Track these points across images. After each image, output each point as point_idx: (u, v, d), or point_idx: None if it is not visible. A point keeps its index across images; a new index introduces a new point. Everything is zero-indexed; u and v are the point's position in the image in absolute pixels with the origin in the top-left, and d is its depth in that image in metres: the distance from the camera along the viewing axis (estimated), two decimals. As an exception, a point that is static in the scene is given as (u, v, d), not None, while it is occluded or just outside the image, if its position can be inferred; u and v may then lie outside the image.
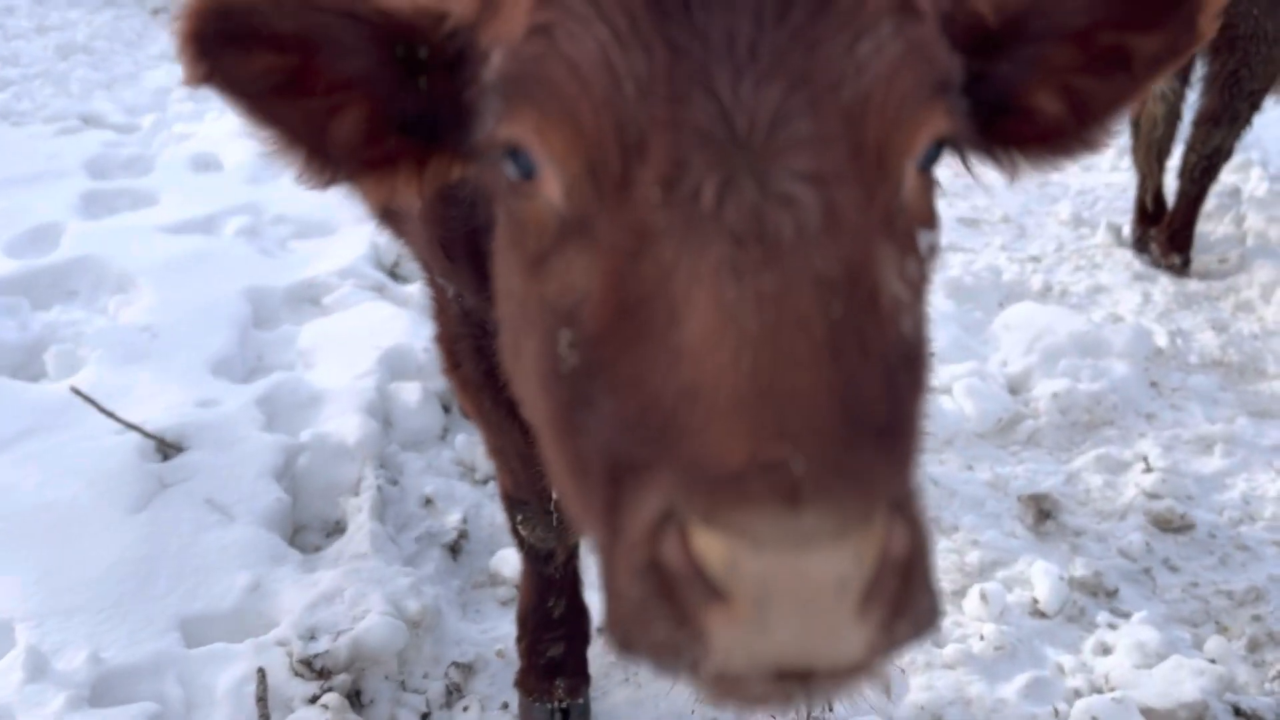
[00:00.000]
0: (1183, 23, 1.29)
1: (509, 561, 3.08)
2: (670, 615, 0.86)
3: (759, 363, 0.90)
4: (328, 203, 4.82)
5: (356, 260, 4.70)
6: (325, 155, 1.29)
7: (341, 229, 5.06)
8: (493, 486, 3.42)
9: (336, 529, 3.22)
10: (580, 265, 1.07)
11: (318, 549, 3.12)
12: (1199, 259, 4.98)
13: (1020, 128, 1.36)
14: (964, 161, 1.38)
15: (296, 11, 1.20)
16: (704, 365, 0.91)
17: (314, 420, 3.55)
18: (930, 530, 0.92)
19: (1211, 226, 5.24)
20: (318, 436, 3.41)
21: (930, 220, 1.19)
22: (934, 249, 1.19)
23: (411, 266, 4.68)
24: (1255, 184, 5.71)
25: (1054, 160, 1.41)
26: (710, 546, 0.82)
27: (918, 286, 1.12)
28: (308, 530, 3.24)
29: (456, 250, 1.85)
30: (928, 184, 1.18)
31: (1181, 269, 4.89)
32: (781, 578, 0.82)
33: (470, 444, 3.58)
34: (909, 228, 1.13)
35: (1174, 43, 1.30)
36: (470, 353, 2.13)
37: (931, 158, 1.15)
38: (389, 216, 2.25)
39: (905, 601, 0.86)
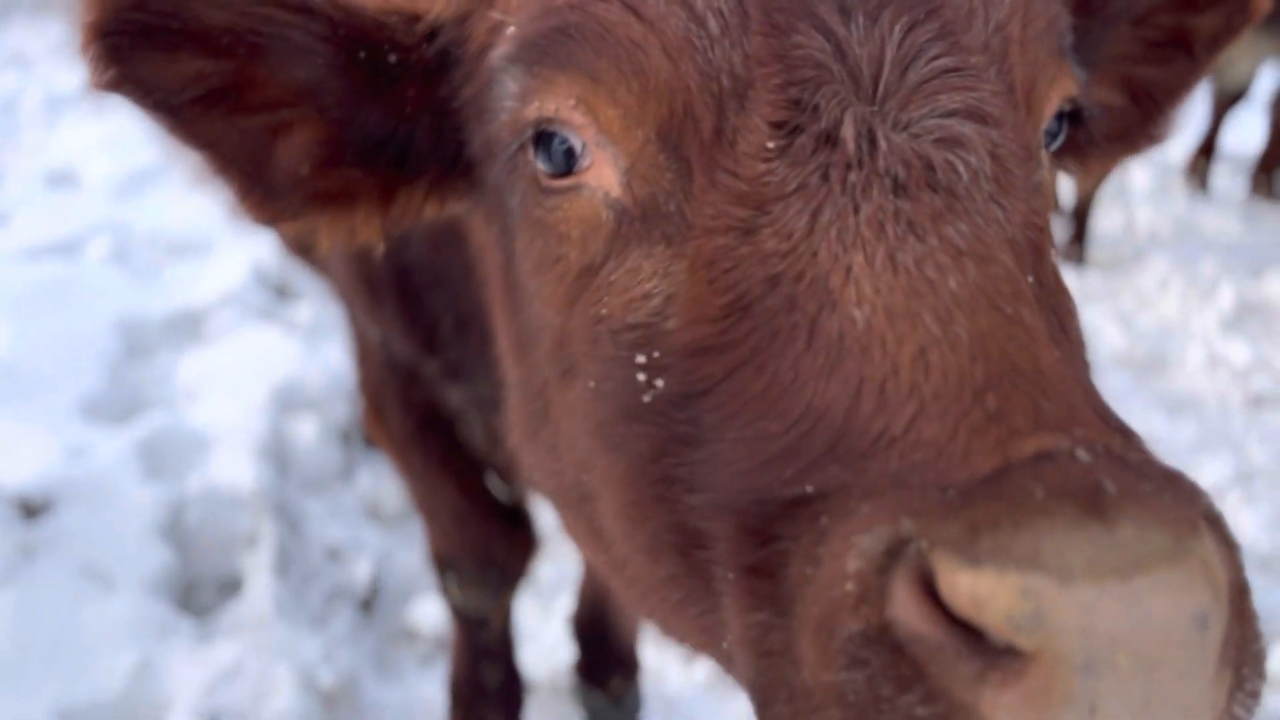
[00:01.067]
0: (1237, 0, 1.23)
1: (427, 613, 2.86)
2: (924, 708, 0.61)
3: (981, 333, 0.70)
4: (206, 218, 4.49)
5: (240, 281, 4.37)
6: (267, 185, 1.05)
7: (221, 247, 4.72)
8: (406, 529, 3.18)
9: (232, 586, 2.95)
10: (655, 265, 0.87)
11: (213, 611, 2.84)
12: (1096, 252, 5.02)
13: (1089, 128, 1.25)
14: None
15: (234, 1, 0.96)
16: (893, 349, 0.71)
17: (201, 466, 3.24)
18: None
19: (1105, 220, 5.30)
20: (206, 486, 3.11)
21: (1057, 208, 1.05)
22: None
23: (302, 283, 4.38)
24: (1141, 177, 5.81)
25: (1120, 155, 1.34)
26: (986, 589, 0.58)
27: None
28: (200, 590, 2.95)
29: (384, 292, 1.63)
30: (1052, 166, 1.03)
31: (1079, 261, 4.93)
32: (1112, 621, 0.57)
33: (376, 480, 3.34)
34: (1048, 209, 0.94)
35: (1230, 20, 1.24)
36: (398, 404, 1.91)
37: (1051, 135, 0.99)
38: (303, 247, 2.01)
39: (1251, 645, 0.65)
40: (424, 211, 1.12)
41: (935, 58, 0.83)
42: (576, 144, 0.90)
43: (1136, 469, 0.64)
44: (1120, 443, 0.67)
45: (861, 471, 0.69)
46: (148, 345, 4.02)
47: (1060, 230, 5.01)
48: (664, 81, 0.84)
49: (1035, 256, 0.81)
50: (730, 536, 0.76)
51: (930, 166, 0.78)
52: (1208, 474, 3.52)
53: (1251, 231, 5.19)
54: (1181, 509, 0.61)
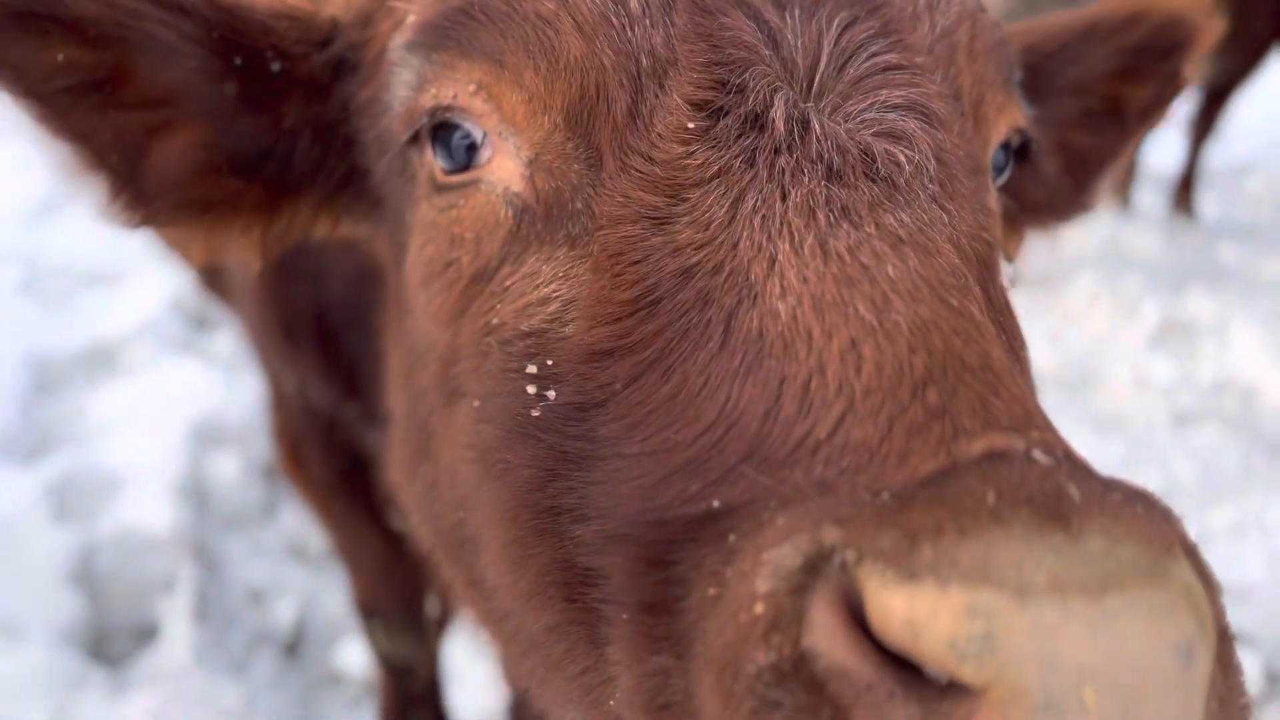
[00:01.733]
0: (1171, 72, 1.24)
1: (354, 655, 2.75)
2: None
3: (918, 321, 0.63)
4: (119, 246, 4.33)
5: (156, 312, 4.22)
6: (139, 186, 0.97)
7: (136, 275, 4.56)
8: (331, 569, 3.08)
9: (148, 633, 2.82)
10: (556, 269, 0.79)
11: (128, 660, 2.71)
12: (1024, 271, 5.07)
13: (1025, 192, 1.23)
14: None
15: None
16: (820, 343, 0.64)
17: (114, 507, 3.10)
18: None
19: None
20: (120, 527, 2.98)
21: (1007, 252, 1.00)
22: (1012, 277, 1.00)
23: (221, 314, 4.25)
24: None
25: (1050, 223, 1.33)
26: (924, 608, 0.49)
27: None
28: (114, 638, 2.82)
29: (300, 335, 1.55)
30: (998, 198, 0.97)
31: (1010, 281, 4.98)
32: (1079, 650, 0.48)
33: (300, 518, 3.23)
34: (997, 244, 0.88)
35: (1162, 92, 1.26)
36: (318, 451, 1.82)
37: (1001, 164, 0.95)
38: (213, 280, 1.91)
39: (1235, 699, 0.57)
40: (313, 229, 1.04)
41: (876, 54, 0.78)
42: (477, 135, 0.83)
43: (1103, 479, 0.57)
44: (1080, 457, 0.61)
45: (780, 481, 0.60)
46: (58, 380, 3.86)
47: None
48: (575, 60, 0.78)
49: (984, 270, 0.76)
50: (624, 569, 0.67)
51: (869, 155, 0.73)
52: (1137, 491, 3.56)
53: (1173, 250, 5.29)
54: (1158, 525, 0.54)
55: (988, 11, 0.91)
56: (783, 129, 0.73)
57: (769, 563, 0.56)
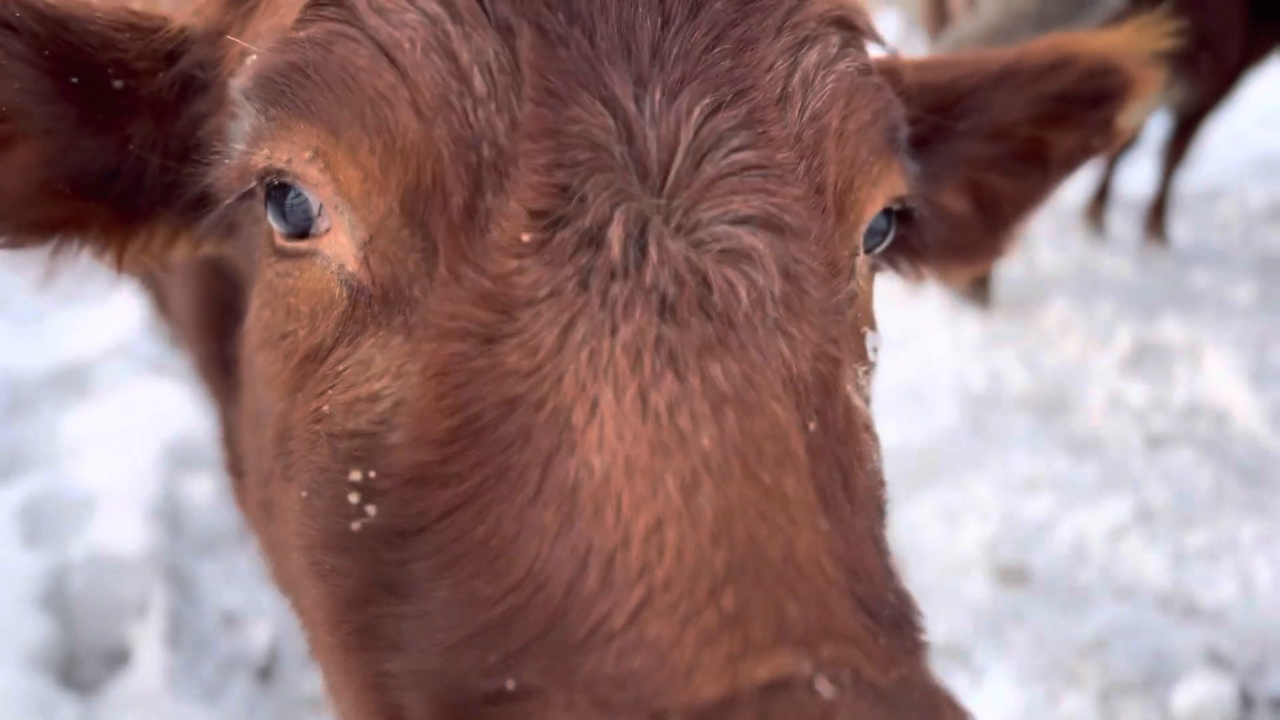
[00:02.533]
0: (1100, 121, 1.17)
1: (329, 680, 2.72)
2: None
3: (729, 507, 0.58)
4: (92, 266, 4.29)
5: (128, 332, 4.18)
6: None
7: (109, 297, 4.52)
8: (304, 592, 3.05)
9: (119, 657, 2.78)
10: (389, 361, 0.71)
11: (97, 685, 2.67)
12: (999, 295, 5.12)
13: (928, 229, 1.15)
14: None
15: None
16: (627, 512, 0.58)
17: (86, 530, 3.07)
18: None
19: (1007, 263, 5.41)
20: (92, 550, 2.94)
21: (873, 320, 0.91)
22: (877, 355, 0.91)
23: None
24: (1037, 220, 5.97)
25: (958, 268, 1.26)
26: None
27: (869, 403, 0.83)
28: (85, 663, 2.77)
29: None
30: (872, 272, 0.91)
31: (985, 304, 5.02)
32: None
33: (275, 542, 3.20)
34: (858, 326, 0.84)
35: (1089, 140, 1.19)
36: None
37: (881, 232, 0.87)
38: (165, 311, 1.87)
39: None
40: (172, 249, 0.97)
41: (736, 150, 0.71)
42: (313, 204, 0.75)
43: (890, 700, 0.54)
44: (878, 657, 0.57)
45: (569, 671, 0.56)
46: (29, 400, 3.82)
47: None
48: (411, 145, 0.70)
49: (823, 395, 0.69)
50: (421, 707, 0.64)
51: (706, 285, 0.66)
52: (1110, 514, 3.58)
53: (1146, 275, 5.35)
54: None
55: (870, 72, 0.84)
56: (618, 250, 0.66)
57: None
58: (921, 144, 1.10)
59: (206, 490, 3.31)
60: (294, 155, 0.74)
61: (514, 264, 0.67)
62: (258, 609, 2.96)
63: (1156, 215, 5.68)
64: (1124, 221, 5.99)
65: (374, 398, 0.72)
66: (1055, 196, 1.27)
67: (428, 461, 0.67)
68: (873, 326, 0.90)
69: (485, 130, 0.69)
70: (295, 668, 2.85)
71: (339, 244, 0.75)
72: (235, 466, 1.83)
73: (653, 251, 0.66)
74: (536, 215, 0.67)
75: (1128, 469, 3.87)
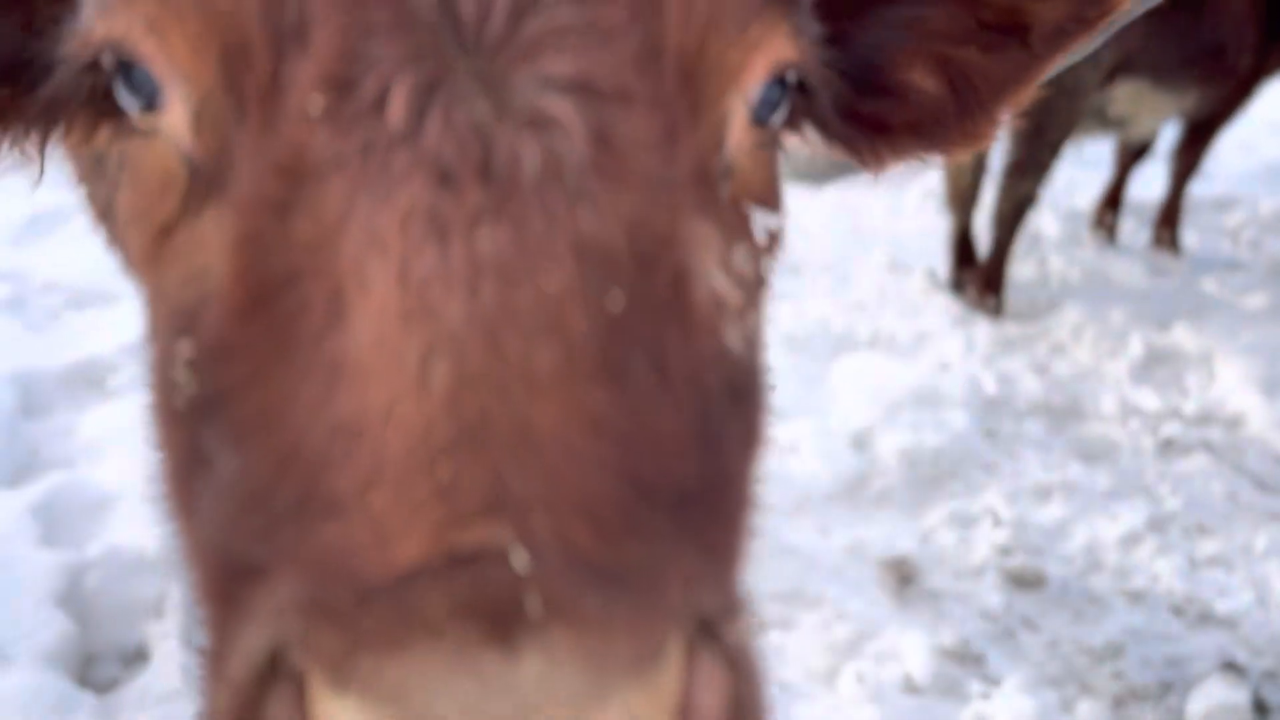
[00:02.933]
0: None
1: (345, 680, 2.73)
2: None
3: (464, 379, 0.56)
4: (107, 266, 4.31)
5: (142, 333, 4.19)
6: None
7: (124, 296, 4.53)
8: (320, 592, 3.06)
9: (137, 656, 2.79)
10: (214, 237, 0.71)
11: (115, 684, 2.68)
12: (1011, 301, 5.12)
13: (889, 110, 1.07)
14: (821, 141, 1.05)
15: None
16: (373, 385, 0.58)
17: (103, 529, 3.09)
18: (763, 661, 0.58)
19: (1019, 269, 5.42)
20: (109, 549, 2.96)
21: (770, 198, 0.85)
22: (776, 239, 0.85)
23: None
24: (1049, 226, 5.97)
25: (926, 151, 1.12)
26: None
27: (751, 287, 0.77)
28: (101, 661, 2.78)
29: None
30: (766, 144, 0.84)
31: (997, 311, 5.02)
32: None
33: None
34: (738, 201, 0.78)
35: (1080, 10, 1.03)
36: None
37: (771, 103, 0.81)
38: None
39: None
40: (95, 137, 0.93)
41: (555, 9, 0.67)
42: (155, 75, 0.74)
43: (605, 575, 0.51)
44: (616, 532, 0.54)
45: (303, 542, 0.55)
46: (45, 400, 3.83)
47: (978, 283, 5.09)
48: (224, 6, 0.68)
49: (639, 267, 0.65)
50: (211, 578, 0.65)
51: (489, 152, 0.63)
52: (1123, 521, 3.58)
53: (1157, 281, 5.35)
54: (628, 634, 0.49)
55: None
56: (401, 117, 0.63)
57: (241, 646, 0.54)
58: (863, 6, 1.02)
59: (222, 490, 3.32)
60: (133, 21, 0.72)
61: (305, 133, 0.65)
62: (273, 609, 2.97)
63: (1168, 223, 5.68)
64: (1135, 228, 5.99)
65: (203, 273, 0.72)
66: (1038, 78, 1.10)
67: (228, 333, 0.67)
68: (768, 205, 0.83)
69: None
70: (311, 668, 2.86)
71: (176, 118, 0.74)
72: None
73: (436, 118, 0.63)
74: (327, 81, 0.65)
75: (1141, 476, 3.87)
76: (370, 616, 0.49)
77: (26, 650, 2.61)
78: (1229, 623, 3.21)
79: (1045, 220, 6.00)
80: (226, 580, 0.61)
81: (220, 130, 0.71)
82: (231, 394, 0.65)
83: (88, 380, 3.96)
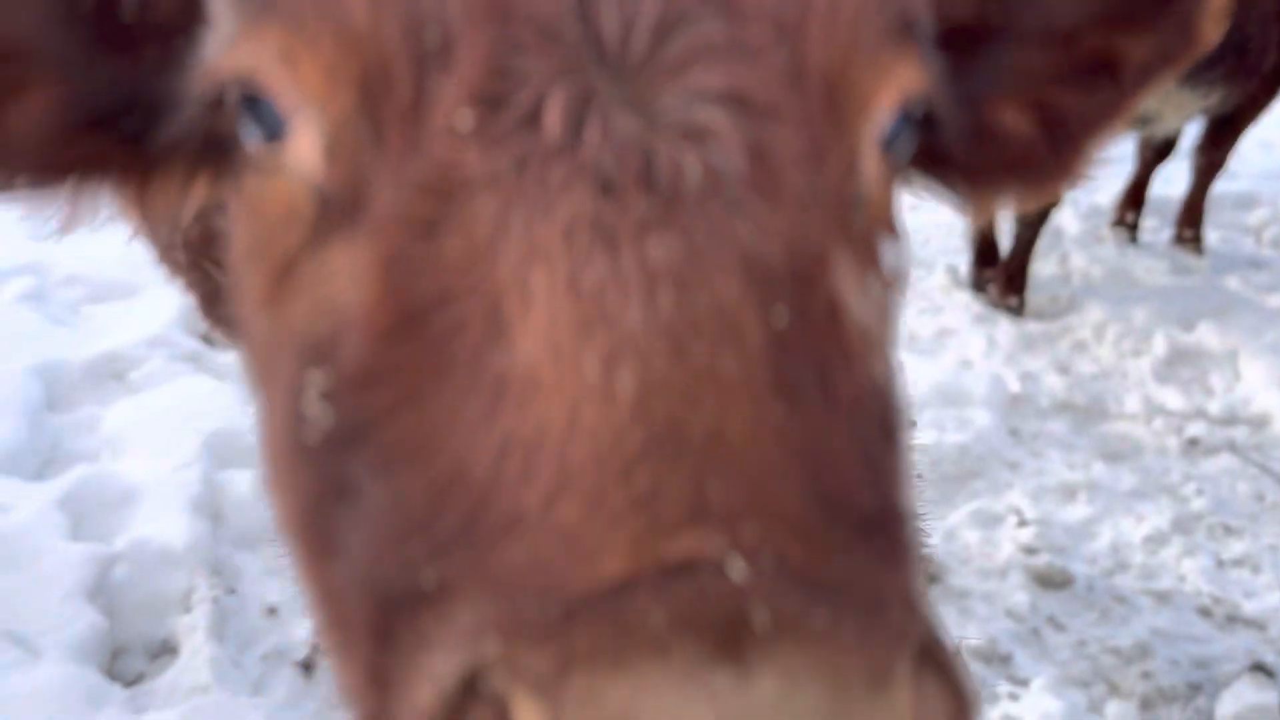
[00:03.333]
0: (1179, 23, 1.03)
1: (371, 675, 2.73)
2: None
3: (651, 386, 0.55)
4: (128, 259, 4.31)
5: (166, 326, 4.20)
6: None
7: (146, 289, 4.54)
8: (346, 587, 3.06)
9: (164, 649, 2.79)
10: (346, 265, 0.69)
11: (142, 677, 2.69)
12: (1032, 299, 5.10)
13: (987, 151, 1.07)
14: (925, 180, 1.06)
15: None
16: (549, 397, 0.56)
17: (129, 522, 3.08)
18: (977, 692, 0.56)
19: (1040, 267, 5.39)
20: (135, 542, 2.96)
21: (894, 229, 0.85)
22: (900, 272, 0.86)
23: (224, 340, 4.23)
24: (1070, 223, 5.94)
25: (1023, 192, 1.13)
26: None
27: (884, 317, 0.77)
28: (129, 654, 2.79)
29: None
30: (891, 176, 0.84)
31: (1019, 310, 5.00)
32: None
33: (315, 537, 3.20)
34: (870, 232, 0.78)
35: (1168, 47, 1.05)
36: None
37: (899, 134, 0.81)
38: (217, 307, 1.87)
39: None
40: (191, 191, 0.93)
41: (700, 28, 0.66)
42: (283, 107, 0.73)
43: (823, 589, 0.48)
44: (820, 545, 0.52)
45: (483, 562, 0.53)
46: (69, 392, 3.83)
47: (1000, 281, 5.07)
48: (363, 31, 0.67)
49: (797, 286, 0.63)
50: (362, 616, 0.61)
51: (652, 163, 0.62)
52: (1149, 521, 3.57)
53: (1180, 280, 5.32)
54: (862, 653, 0.46)
55: None
56: (557, 130, 0.62)
57: (430, 672, 0.51)
58: (962, 49, 1.01)
59: (246, 484, 3.32)
60: (263, 53, 0.72)
61: (453, 150, 0.64)
62: (300, 603, 2.96)
63: (1190, 221, 5.64)
64: (1157, 226, 5.95)
65: (334, 302, 0.70)
66: (1127, 114, 1.11)
67: (371, 359, 0.65)
68: (894, 235, 0.84)
69: (432, 12, 0.66)
70: (337, 663, 2.86)
71: (304, 148, 0.73)
72: None
73: (594, 129, 0.63)
74: (475, 98, 0.65)
75: (1166, 476, 3.85)
76: (581, 632, 0.46)
77: (56, 643, 2.61)
78: (1257, 623, 3.19)
79: (1066, 218, 5.97)
80: (384, 614, 0.58)
81: (355, 156, 0.70)
82: (380, 420, 0.63)
83: (110, 373, 3.96)
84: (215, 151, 0.86)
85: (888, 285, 0.79)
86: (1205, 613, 3.23)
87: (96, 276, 4.70)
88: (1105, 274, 5.39)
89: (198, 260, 1.62)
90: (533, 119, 0.63)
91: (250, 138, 0.77)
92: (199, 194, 0.93)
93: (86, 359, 3.98)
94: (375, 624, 0.59)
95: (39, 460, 3.44)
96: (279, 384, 0.76)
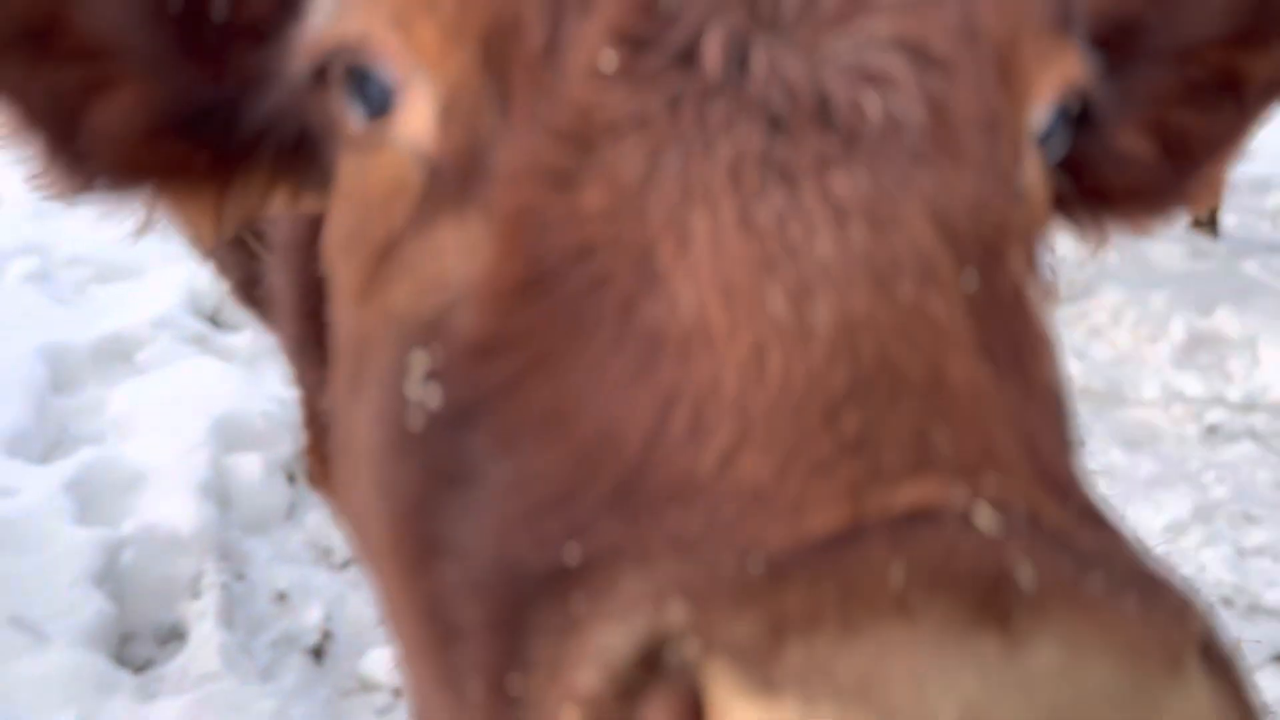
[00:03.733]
0: None
1: (382, 663, 2.69)
2: None
3: (845, 320, 0.49)
4: (132, 240, 4.26)
5: (172, 307, 4.15)
6: (76, 149, 0.85)
7: (151, 270, 4.49)
8: (356, 573, 3.01)
9: (173, 635, 2.75)
10: (464, 239, 0.63)
11: (151, 663, 2.65)
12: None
13: (1109, 176, 1.03)
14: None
15: None
16: (719, 345, 0.50)
17: (137, 506, 3.04)
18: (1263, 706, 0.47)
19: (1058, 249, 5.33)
20: (143, 527, 2.91)
21: (1047, 232, 0.80)
22: (1053, 285, 0.82)
23: (238, 312, 4.18)
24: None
25: (1143, 219, 1.11)
26: None
27: (1050, 324, 0.73)
28: (138, 640, 2.75)
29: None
30: (1046, 177, 0.79)
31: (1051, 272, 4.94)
32: None
33: (324, 522, 3.16)
34: (1030, 228, 0.72)
35: None
36: None
37: (1054, 131, 0.76)
38: (253, 291, 1.84)
39: None
40: (270, 199, 0.90)
41: None
42: (389, 80, 0.69)
43: (1081, 554, 0.42)
44: (1065, 510, 0.46)
45: (647, 529, 0.46)
46: (75, 374, 3.78)
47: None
48: None
49: (986, 255, 0.58)
50: (476, 631, 0.53)
51: (826, 100, 0.57)
52: (1169, 508, 3.52)
53: (1197, 264, 5.27)
54: (1159, 626, 0.39)
55: None
56: (718, 66, 0.57)
57: (594, 650, 0.42)
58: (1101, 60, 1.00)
59: (255, 469, 3.28)
60: (371, 22, 0.68)
61: (593, 94, 0.59)
62: (309, 589, 2.93)
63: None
64: (1174, 211, 5.89)
65: (444, 279, 0.64)
66: (1250, 135, 1.09)
67: (492, 326, 0.59)
68: (1047, 239, 0.79)
69: None
70: (347, 648, 2.82)
71: (415, 118, 0.68)
72: (317, 447, 1.79)
73: (760, 65, 0.57)
74: (619, 38, 0.59)
75: (1185, 463, 3.80)
76: (793, 594, 0.38)
77: (64, 629, 2.57)
78: (1279, 613, 3.15)
79: (1080, 201, 5.90)
80: (512, 607, 0.50)
81: (473, 118, 0.65)
82: (504, 392, 0.57)
83: (116, 354, 3.91)
84: (303, 151, 0.83)
85: (1046, 294, 0.74)
86: (1227, 602, 3.19)
87: (100, 257, 4.64)
88: (1121, 258, 5.33)
89: (241, 239, 1.57)
90: (687, 57, 0.58)
91: (353, 115, 0.72)
92: (278, 203, 0.90)
93: (92, 340, 3.93)
94: (499, 622, 0.51)
95: (45, 443, 3.40)
96: (374, 375, 0.70)
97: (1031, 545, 0.41)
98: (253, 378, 3.70)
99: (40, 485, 3.03)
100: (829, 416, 0.46)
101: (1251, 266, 5.21)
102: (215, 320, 4.33)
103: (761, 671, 0.37)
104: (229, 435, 3.40)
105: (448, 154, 0.66)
